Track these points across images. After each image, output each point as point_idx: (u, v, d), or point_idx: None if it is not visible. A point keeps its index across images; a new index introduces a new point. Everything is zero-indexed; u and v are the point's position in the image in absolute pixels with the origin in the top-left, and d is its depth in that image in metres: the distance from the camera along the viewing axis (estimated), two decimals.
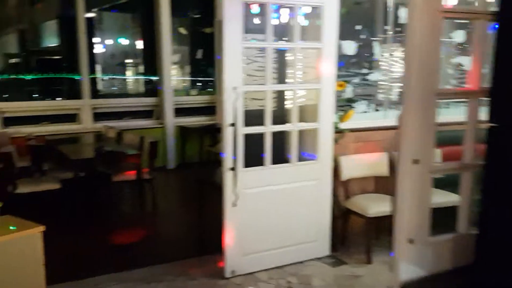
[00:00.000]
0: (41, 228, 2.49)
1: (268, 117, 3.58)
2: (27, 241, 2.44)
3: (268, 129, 3.58)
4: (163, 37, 7.21)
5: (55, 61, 9.46)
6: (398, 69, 4.61)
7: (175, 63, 7.94)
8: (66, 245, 2.51)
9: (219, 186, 4.28)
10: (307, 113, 3.91)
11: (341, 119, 4.01)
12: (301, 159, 3.77)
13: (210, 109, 7.86)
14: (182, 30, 8.26)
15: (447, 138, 4.72)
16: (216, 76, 7.70)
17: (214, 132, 7.53)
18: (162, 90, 7.42)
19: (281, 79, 4.07)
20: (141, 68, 8.92)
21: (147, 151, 5.23)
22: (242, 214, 3.52)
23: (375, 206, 3.82)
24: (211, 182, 4.34)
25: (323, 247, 3.92)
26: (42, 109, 7.12)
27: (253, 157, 3.63)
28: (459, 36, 4.79)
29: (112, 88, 8.85)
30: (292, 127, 3.70)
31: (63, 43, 9.04)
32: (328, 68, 3.74)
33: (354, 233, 4.25)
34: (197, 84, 8.83)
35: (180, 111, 7.62)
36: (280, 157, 3.78)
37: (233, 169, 3.44)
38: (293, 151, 3.71)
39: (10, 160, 4.36)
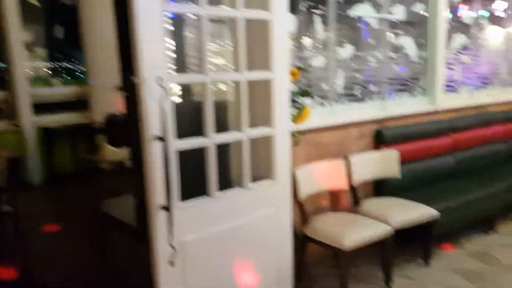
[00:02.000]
0: None
1: (211, 122, 2.39)
2: None
3: (211, 140, 2.40)
4: (7, 9, 5.32)
5: None
6: (343, 51, 3.75)
7: (27, 45, 6.02)
8: None
9: (129, 225, 2.98)
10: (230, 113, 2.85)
11: (295, 119, 3.00)
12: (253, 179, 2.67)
13: (81, 104, 6.16)
14: (33, 0, 6.33)
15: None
16: (87, 61, 6.03)
17: (90, 134, 5.91)
18: (12, 80, 5.52)
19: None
20: None
21: (3, 172, 3.56)
22: (184, 273, 2.30)
23: (352, 233, 2.92)
24: (116, 219, 2.98)
25: None
26: None
27: (186, 184, 2.43)
28: (399, 12, 4.15)
29: None
30: (242, 135, 2.57)
31: None
32: (281, 50, 2.69)
33: (313, 267, 3.34)
34: (59, 71, 6.95)
35: (40, 108, 5.79)
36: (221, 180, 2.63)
37: (165, 208, 2.19)
38: (246, 169, 2.58)
39: None
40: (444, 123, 4.36)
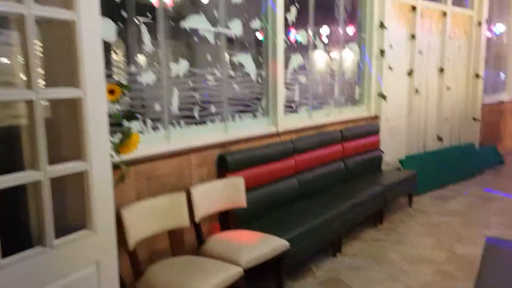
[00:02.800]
0: None
1: None
2: None
3: None
4: None
5: None
6: (177, 67, 3.29)
7: None
8: None
9: None
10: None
11: (120, 148, 2.40)
12: (62, 232, 1.98)
13: None
14: None
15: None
16: None
17: None
18: None
19: None
20: None
21: None
22: None
23: (196, 283, 2.40)
24: None
25: None
26: None
27: None
28: (236, 27, 3.87)
29: None
30: (39, 175, 1.87)
31: None
32: (93, 61, 2.10)
33: None
34: None
35: None
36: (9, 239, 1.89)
37: None
38: (47, 220, 1.89)
39: None
40: (287, 145, 4.22)
